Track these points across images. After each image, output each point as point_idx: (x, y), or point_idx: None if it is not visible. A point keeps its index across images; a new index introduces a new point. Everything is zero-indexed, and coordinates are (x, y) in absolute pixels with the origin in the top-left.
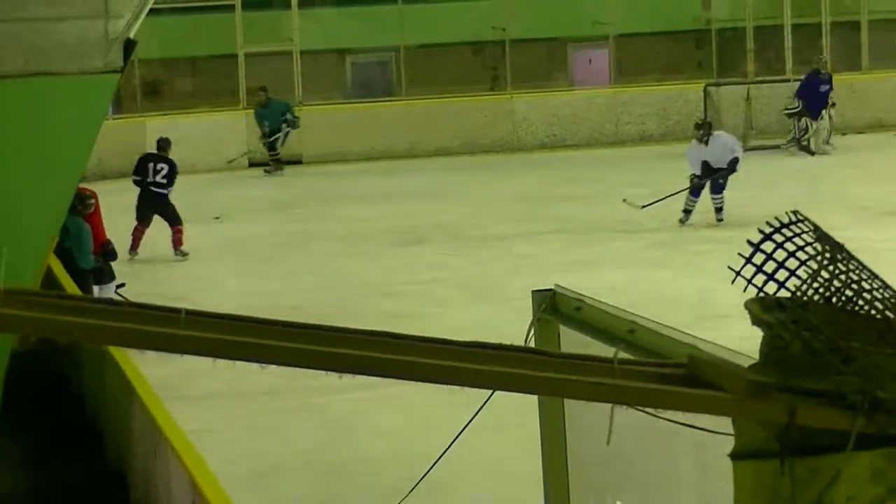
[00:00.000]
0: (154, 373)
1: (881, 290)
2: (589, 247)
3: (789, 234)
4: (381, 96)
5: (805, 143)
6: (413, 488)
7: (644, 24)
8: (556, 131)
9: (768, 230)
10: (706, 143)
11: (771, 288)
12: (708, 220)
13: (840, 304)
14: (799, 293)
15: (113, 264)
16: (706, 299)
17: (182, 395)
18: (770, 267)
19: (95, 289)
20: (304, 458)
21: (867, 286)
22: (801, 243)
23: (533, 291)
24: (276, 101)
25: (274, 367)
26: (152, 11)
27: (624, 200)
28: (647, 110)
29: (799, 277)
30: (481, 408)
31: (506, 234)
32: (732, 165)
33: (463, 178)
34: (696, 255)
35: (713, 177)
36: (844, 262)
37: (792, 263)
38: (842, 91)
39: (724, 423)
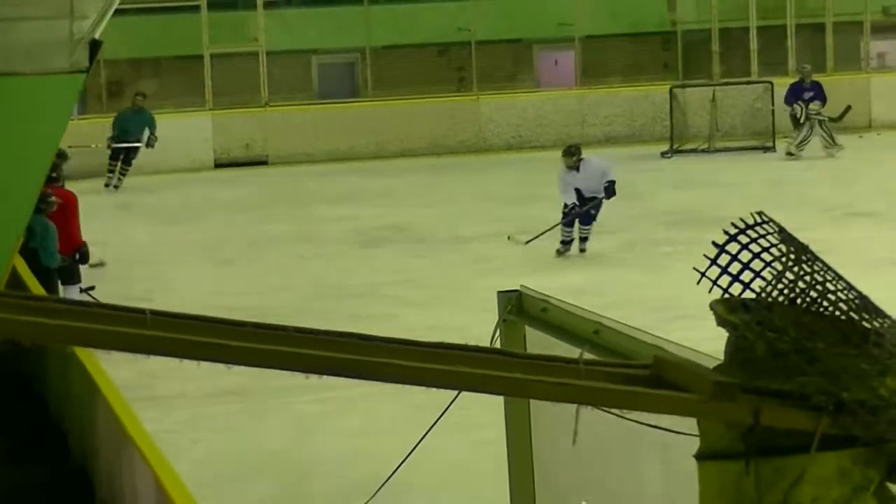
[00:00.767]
0: (119, 373)
1: (846, 292)
2: (555, 248)
3: (754, 235)
4: (346, 97)
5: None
6: (379, 489)
7: (610, 26)
8: (521, 132)
9: (733, 231)
10: (577, 169)
11: (736, 289)
12: (666, 221)
13: (805, 305)
14: (764, 294)
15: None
16: (671, 300)
17: (147, 396)
18: (735, 268)
19: (62, 288)
20: (270, 458)
21: (832, 287)
22: (766, 244)
23: (499, 292)
24: (148, 112)
25: (240, 367)
26: (118, 12)
27: (508, 238)
28: (613, 112)
29: (764, 279)
30: (447, 409)
31: (471, 235)
32: (609, 191)
33: (429, 179)
34: (661, 257)
35: (587, 207)
36: (809, 263)
37: (757, 265)
38: None
39: (690, 424)
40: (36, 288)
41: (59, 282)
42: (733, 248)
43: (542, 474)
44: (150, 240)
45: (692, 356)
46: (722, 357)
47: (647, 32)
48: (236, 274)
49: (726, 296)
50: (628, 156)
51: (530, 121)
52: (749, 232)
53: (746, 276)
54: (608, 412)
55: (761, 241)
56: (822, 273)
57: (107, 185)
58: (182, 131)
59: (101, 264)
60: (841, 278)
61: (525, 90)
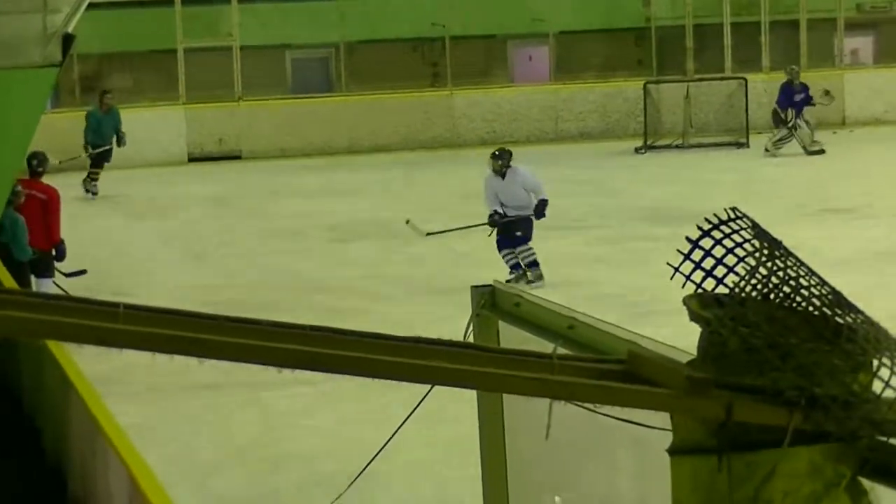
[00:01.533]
0: (92, 367)
1: (818, 287)
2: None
3: (728, 230)
4: (320, 92)
5: (776, 146)
6: (351, 483)
7: (584, 22)
8: (495, 128)
9: (707, 227)
10: (503, 176)
11: (709, 284)
12: (640, 217)
13: (778, 300)
14: (737, 290)
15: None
16: (645, 295)
17: (120, 390)
18: (709, 263)
19: (35, 281)
20: (243, 452)
21: (805, 283)
22: (740, 240)
23: (472, 287)
24: (115, 109)
25: (213, 361)
26: (91, 6)
27: (407, 222)
28: (587, 108)
29: (738, 274)
30: (420, 403)
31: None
32: (539, 211)
33: (402, 174)
34: (635, 252)
35: (511, 229)
36: (782, 258)
37: (731, 260)
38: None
39: (663, 419)
40: (8, 281)
41: (33, 274)
42: (707, 243)
43: (515, 470)
44: (124, 234)
45: (666, 351)
46: (695, 352)
47: (621, 28)
48: (210, 268)
49: (700, 291)
50: (602, 151)
51: (504, 116)
52: (723, 227)
53: (720, 271)
54: (582, 407)
55: (735, 236)
56: (795, 269)
57: (87, 191)
58: (155, 126)
59: (81, 272)
60: (814, 274)
61: (499, 85)
